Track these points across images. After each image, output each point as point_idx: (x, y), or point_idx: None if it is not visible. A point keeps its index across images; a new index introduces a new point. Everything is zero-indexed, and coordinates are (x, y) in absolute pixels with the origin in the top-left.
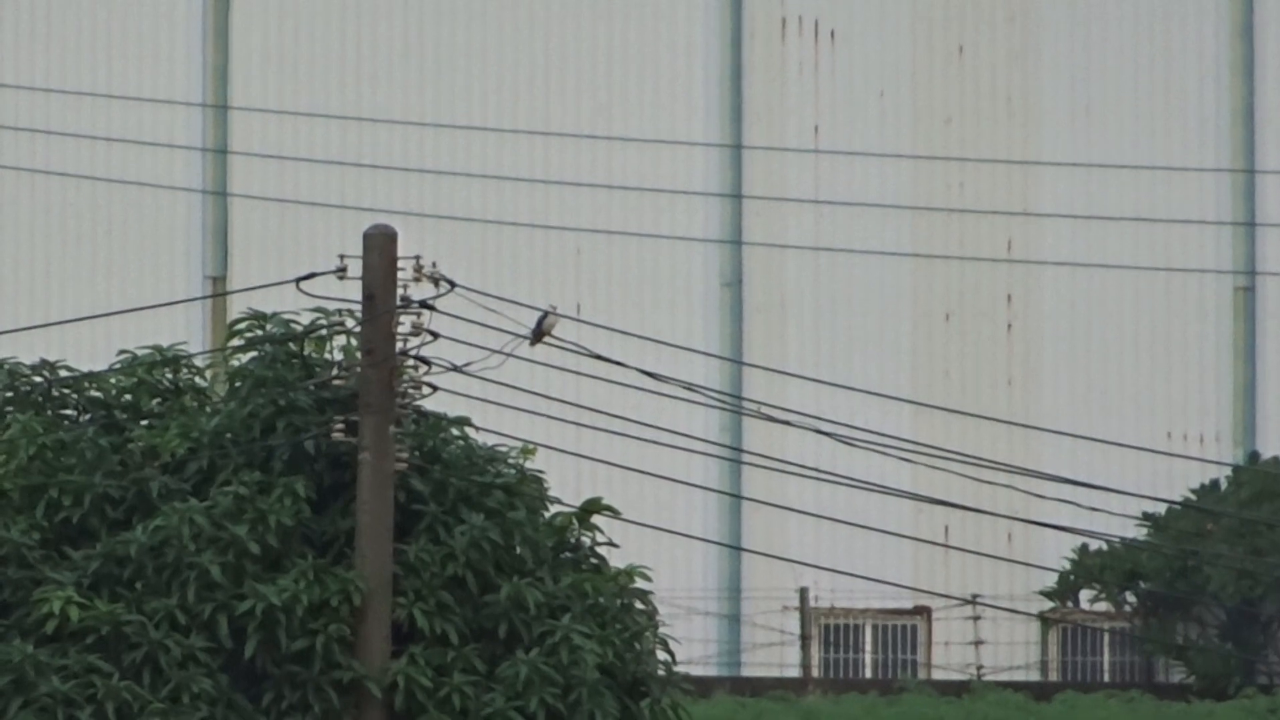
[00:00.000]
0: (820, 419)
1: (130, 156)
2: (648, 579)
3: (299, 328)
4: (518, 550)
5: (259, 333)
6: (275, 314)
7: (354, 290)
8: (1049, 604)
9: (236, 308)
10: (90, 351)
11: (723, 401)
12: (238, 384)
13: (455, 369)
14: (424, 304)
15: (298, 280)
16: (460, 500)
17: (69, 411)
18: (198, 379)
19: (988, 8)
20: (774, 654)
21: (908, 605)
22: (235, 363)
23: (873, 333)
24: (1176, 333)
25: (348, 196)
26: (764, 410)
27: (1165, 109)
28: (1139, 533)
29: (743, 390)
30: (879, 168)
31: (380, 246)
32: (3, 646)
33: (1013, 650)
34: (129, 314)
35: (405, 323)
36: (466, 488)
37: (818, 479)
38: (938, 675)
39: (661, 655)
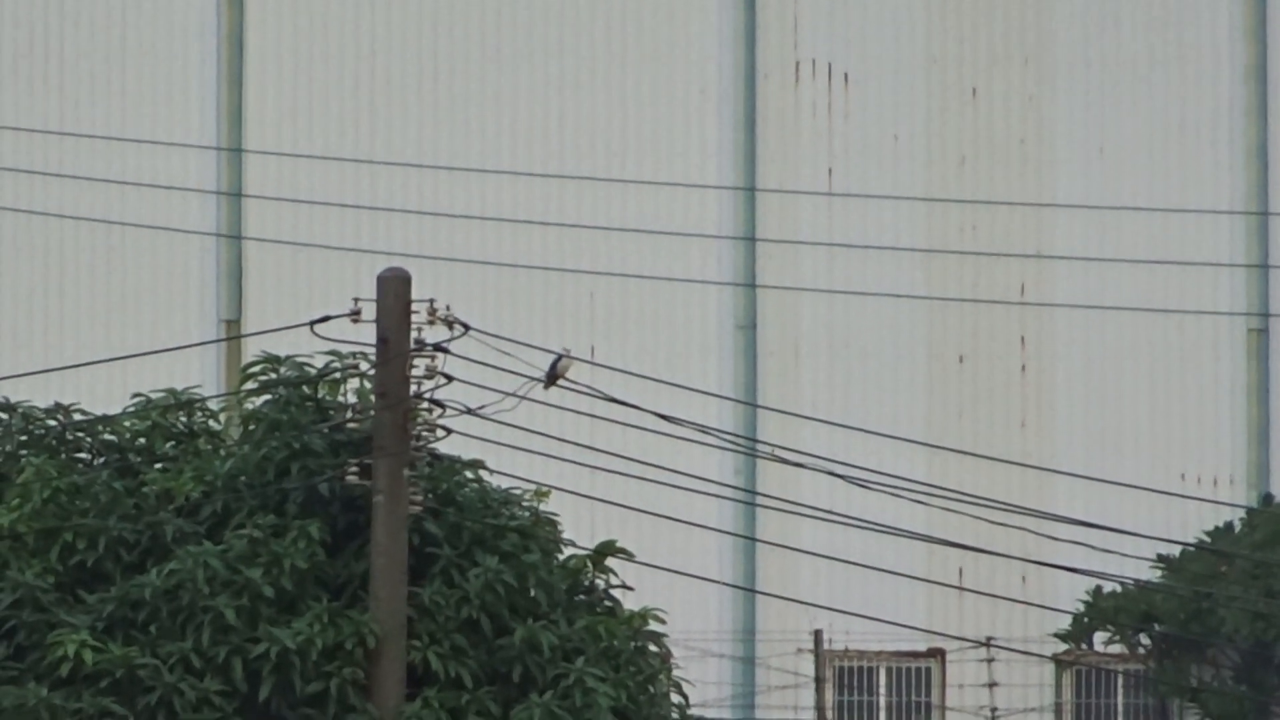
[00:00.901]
0: (834, 461)
1: (145, 200)
2: (661, 621)
3: (313, 371)
4: (532, 593)
5: (273, 376)
6: (289, 357)
7: (368, 333)
8: (1063, 646)
9: (251, 351)
10: (104, 395)
11: (736, 444)
12: (252, 427)
13: (469, 412)
14: (438, 347)
15: (312, 323)
16: (474, 543)
17: (83, 455)
18: (212, 422)
19: (1001, 50)
20: (788, 696)
21: (922, 647)
22: (249, 406)
23: (887, 375)
24: (1190, 375)
25: (362, 239)
26: (778, 452)
27: (1179, 151)
28: (1153, 575)
29: (757, 432)
30: (893, 210)
31: (394, 289)
32: (17, 690)
33: (1027, 692)
34: (143, 357)
35: (419, 366)
36: (481, 530)
37: (832, 521)
38: (952, 717)
39: (675, 698)
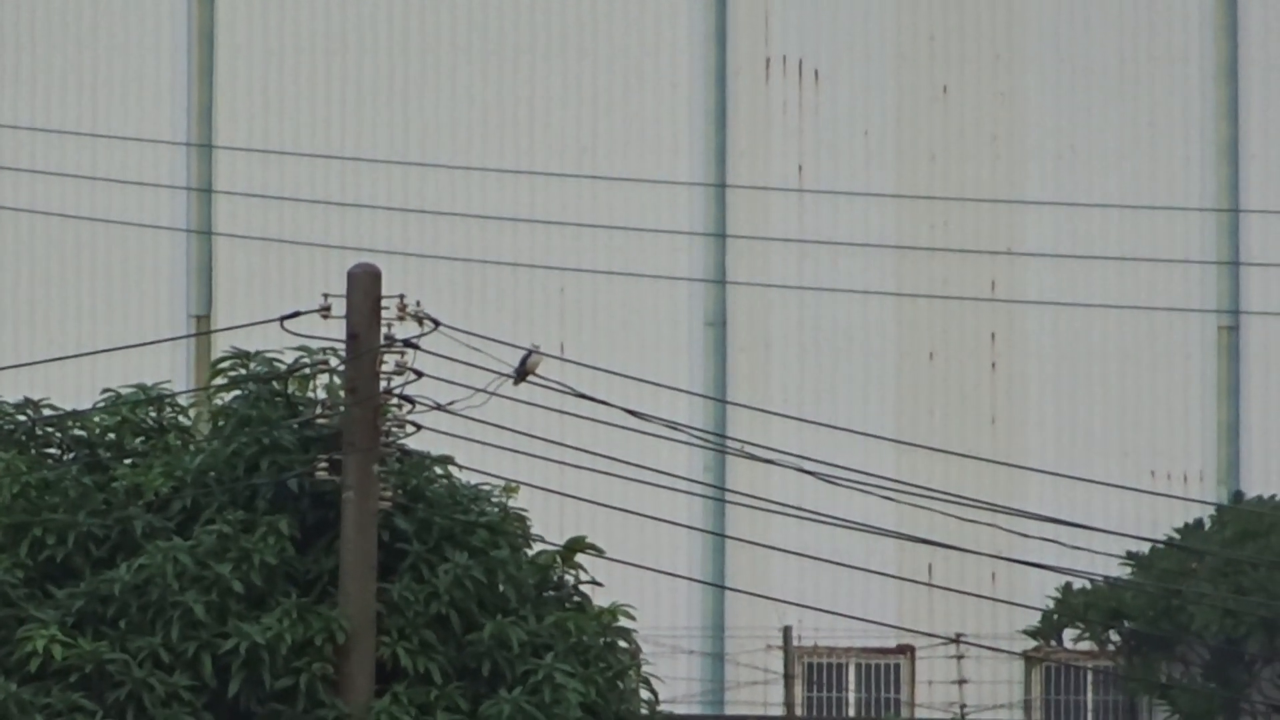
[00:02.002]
0: (804, 458)
1: (114, 195)
2: (631, 617)
3: (282, 366)
4: (501, 589)
5: (242, 371)
6: (259, 353)
7: (338, 329)
8: (1032, 643)
9: (221, 346)
10: (74, 390)
11: (706, 440)
12: (221, 423)
13: (439, 408)
14: (408, 343)
15: (282, 319)
16: (444, 539)
17: (53, 450)
18: (182, 418)
19: (972, 48)
20: (757, 693)
21: (891, 644)
22: (219, 401)
23: (856, 372)
24: (1161, 372)
25: (332, 235)
26: (748, 449)
27: (1150, 148)
28: (1123, 572)
29: (726, 429)
30: (863, 207)
31: (364, 285)
32: None
33: (996, 689)
34: (113, 353)
35: (389, 361)
36: (450, 526)
37: (802, 518)
38: (921, 714)
39: (644, 694)
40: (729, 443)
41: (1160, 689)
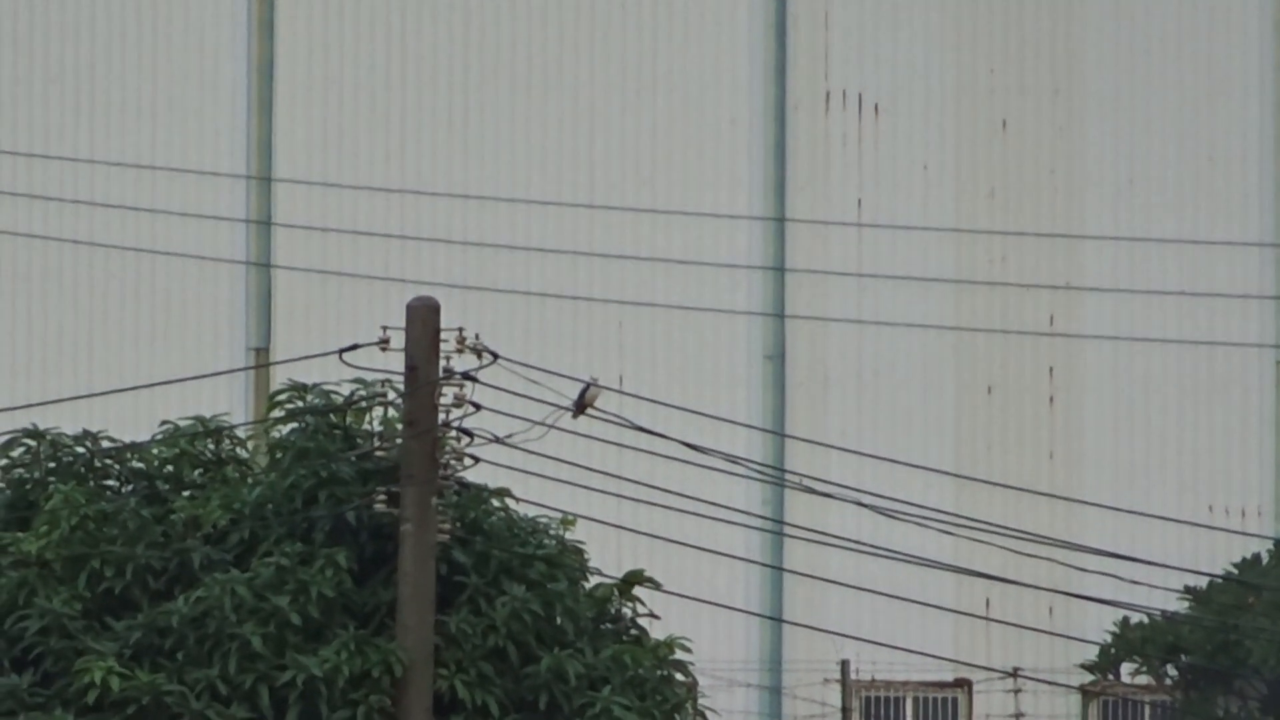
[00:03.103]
0: (862, 491)
1: (174, 227)
2: (688, 650)
3: (339, 399)
4: (559, 621)
5: (299, 404)
6: (316, 385)
7: (397, 362)
8: (1090, 677)
9: (280, 379)
10: (133, 422)
11: (765, 474)
12: (279, 455)
13: (497, 440)
14: (466, 375)
15: (341, 351)
16: (502, 571)
17: (111, 482)
18: (240, 450)
19: (1032, 81)
20: None
21: (949, 678)
22: (276, 434)
23: (915, 406)
24: (1219, 407)
25: (391, 268)
26: (806, 483)
27: (1209, 183)
28: (1180, 606)
29: (785, 463)
30: (922, 241)
31: (423, 318)
32: (45, 716)
33: None
34: (171, 385)
35: (448, 394)
36: (508, 559)
37: (859, 551)
38: None
39: None
40: (787, 476)
41: None
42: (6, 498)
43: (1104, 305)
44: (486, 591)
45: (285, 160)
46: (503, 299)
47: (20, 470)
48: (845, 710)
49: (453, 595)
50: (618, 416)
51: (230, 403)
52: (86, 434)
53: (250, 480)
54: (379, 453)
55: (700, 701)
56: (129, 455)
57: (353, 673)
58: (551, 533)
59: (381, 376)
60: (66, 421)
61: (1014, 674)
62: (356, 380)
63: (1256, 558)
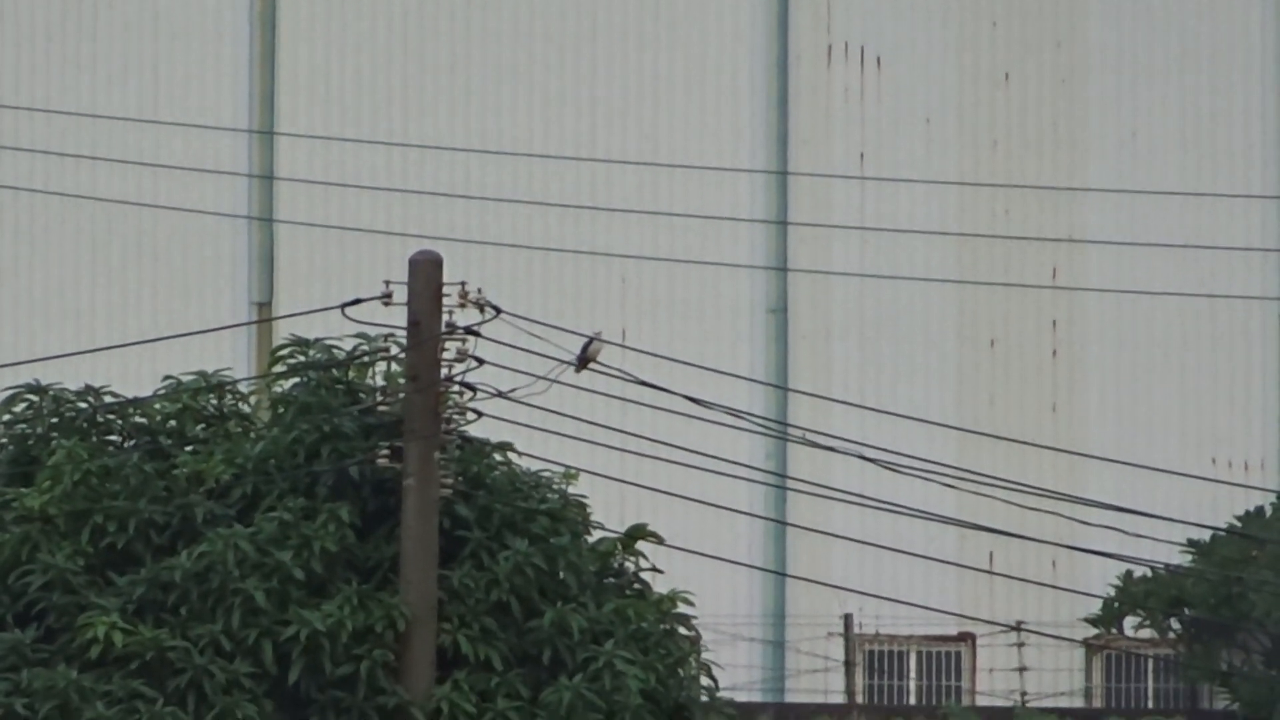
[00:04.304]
0: (865, 445)
1: (176, 182)
2: (691, 604)
3: (341, 354)
4: (561, 576)
5: (302, 359)
6: (318, 340)
7: (400, 316)
8: (1093, 630)
9: (282, 333)
10: (135, 378)
11: (767, 427)
12: (282, 410)
13: (500, 395)
14: (469, 330)
15: (343, 306)
16: (504, 526)
17: (114, 437)
18: (242, 405)
19: (1034, 34)
20: (818, 680)
21: (952, 632)
22: (279, 389)
23: (918, 359)
24: (1222, 359)
25: (394, 222)
26: (809, 436)
27: (1211, 135)
28: (1184, 559)
29: (788, 416)
30: (924, 194)
31: (426, 272)
32: (48, 672)
33: (1057, 677)
34: (174, 340)
35: (450, 349)
36: (511, 513)
37: (862, 505)
38: (982, 702)
39: (705, 681)
40: (790, 430)
41: (1221, 677)
42: (9, 453)
43: (1106, 258)
44: (489, 546)
45: (288, 114)
46: (505, 253)
47: (22, 426)
48: (848, 664)
49: (455, 550)
50: (620, 371)
51: (233, 358)
52: (89, 389)
53: (253, 435)
54: (381, 408)
55: (703, 655)
56: (131, 410)
57: (356, 628)
58: (554, 487)
59: (384, 331)
60: (69, 377)
61: (1017, 628)
62: (359, 335)
63: (1259, 510)
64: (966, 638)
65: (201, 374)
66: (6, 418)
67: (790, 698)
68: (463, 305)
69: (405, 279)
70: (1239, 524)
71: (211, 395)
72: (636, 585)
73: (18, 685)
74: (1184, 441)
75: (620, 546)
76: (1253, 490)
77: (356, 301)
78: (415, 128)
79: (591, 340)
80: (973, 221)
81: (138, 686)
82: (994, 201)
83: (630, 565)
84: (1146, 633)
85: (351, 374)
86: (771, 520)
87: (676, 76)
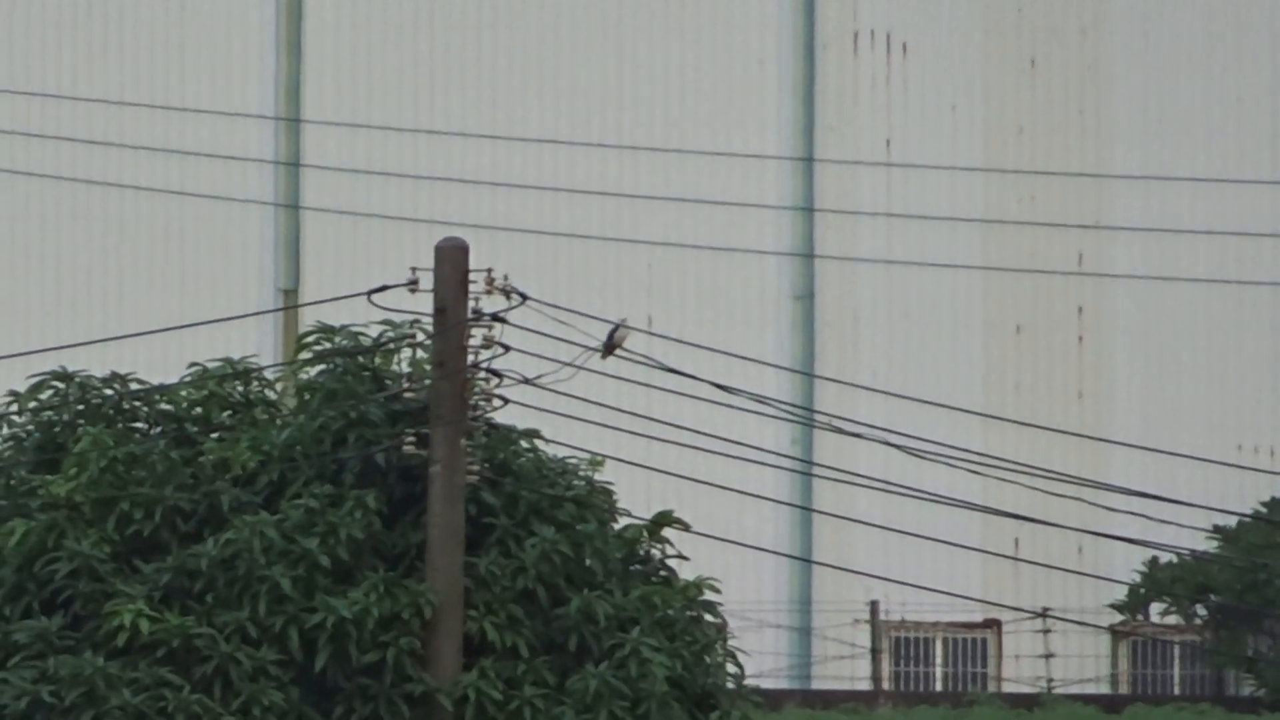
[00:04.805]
0: (891, 432)
1: (203, 169)
2: (717, 591)
3: (368, 340)
4: (588, 563)
5: (328, 345)
6: (344, 327)
7: (426, 303)
8: (1119, 617)
9: (308, 320)
10: (161, 364)
11: (793, 414)
12: (308, 397)
13: (526, 382)
14: (495, 317)
15: (369, 293)
16: (531, 513)
17: (140, 424)
18: (268, 392)
19: (1060, 21)
20: (844, 667)
21: (978, 618)
22: (305, 376)
23: (944, 346)
24: (1248, 345)
25: (420, 209)
26: (835, 423)
27: (1237, 121)
28: (1209, 546)
29: (814, 403)
30: (950, 181)
31: (452, 259)
32: (74, 659)
33: (1083, 663)
34: (200, 327)
35: (477, 335)
36: (537, 500)
37: (888, 492)
38: (1008, 688)
39: (731, 668)
40: (816, 417)
41: (1246, 662)
42: (35, 440)
43: (1133, 244)
44: (515, 533)
45: (314, 101)
46: (532, 240)
47: (49, 413)
48: (875, 651)
49: (482, 537)
50: (646, 357)
51: (259, 344)
52: (115, 376)
53: (279, 422)
54: (408, 394)
55: (729, 642)
56: (157, 397)
57: (382, 615)
58: (580, 474)
59: (410, 318)
60: (95, 364)
61: (1043, 614)
62: (385, 322)
63: None
64: (992, 624)
65: (228, 361)
66: (33, 405)
67: (816, 684)
68: (489, 292)
69: (431, 266)
70: (1265, 510)
71: (238, 382)
72: (663, 572)
73: (44, 673)
74: (1210, 428)
75: (646, 533)
76: (1278, 477)
77: (383, 288)
78: (441, 115)
79: (617, 327)
80: (999, 208)
81: (164, 674)
82: (1020, 188)
83: (656, 552)
84: (1172, 619)
85: (378, 360)
86: (797, 507)
87: (703, 63)
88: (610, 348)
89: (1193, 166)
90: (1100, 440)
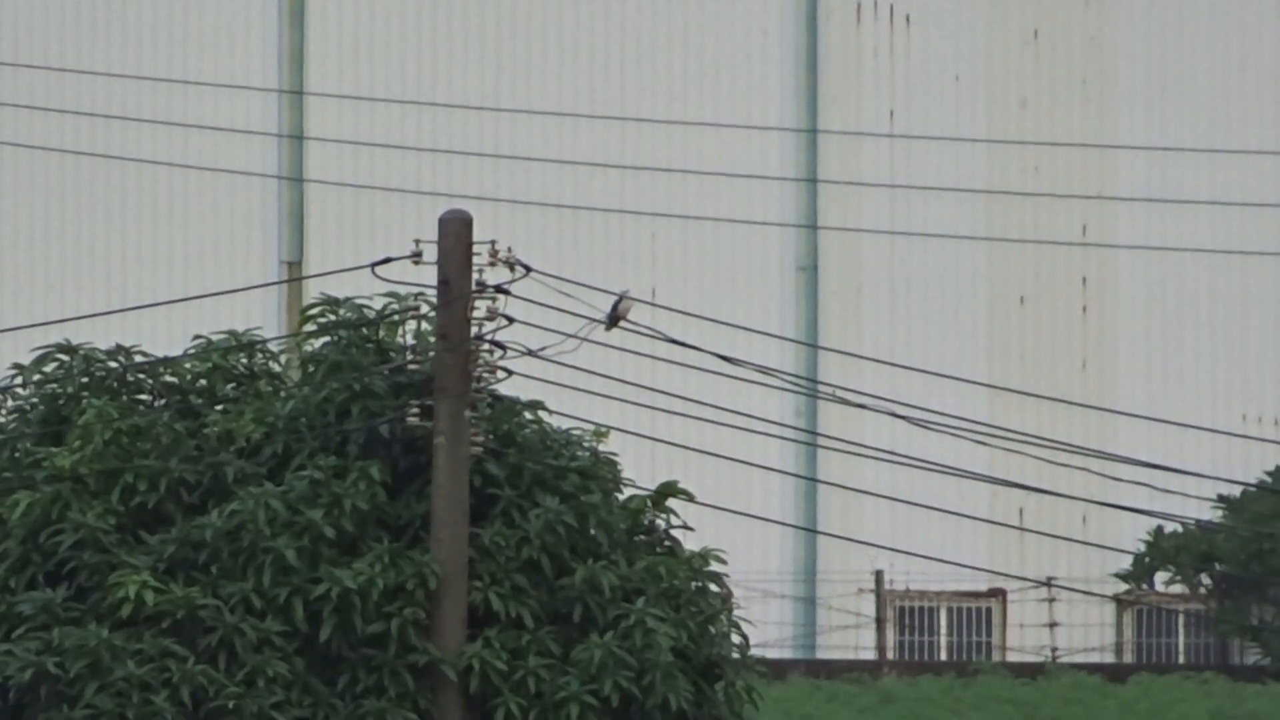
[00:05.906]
0: (895, 402)
1: (207, 142)
2: (722, 562)
3: (372, 312)
4: (592, 533)
5: (332, 318)
6: (348, 299)
7: (429, 275)
8: (1124, 586)
9: (312, 292)
10: (166, 336)
11: (798, 385)
12: (312, 369)
13: (530, 353)
14: (499, 289)
15: (373, 265)
16: (535, 484)
17: (144, 397)
18: (273, 364)
19: None
20: (849, 636)
21: (983, 588)
22: (309, 348)
23: (948, 316)
24: (1252, 315)
25: (423, 181)
26: (839, 394)
27: (1241, 91)
28: (1214, 515)
29: (818, 374)
30: (954, 152)
31: (456, 231)
32: (79, 631)
33: (1088, 632)
34: (205, 299)
35: (480, 307)
36: (541, 471)
37: (893, 462)
38: (1012, 657)
39: (735, 638)
40: (820, 387)
41: (1251, 631)
42: (40, 413)
43: (1136, 215)
44: (520, 504)
45: (318, 74)
46: (535, 212)
47: (53, 385)
48: (880, 620)
49: (486, 508)
50: (650, 329)
51: (263, 316)
52: (119, 348)
53: (283, 394)
54: (412, 366)
55: (735, 613)
56: (162, 369)
57: (387, 586)
58: (585, 445)
59: (414, 290)
60: (99, 336)
61: (1048, 584)
62: (389, 294)
63: None
64: (997, 594)
65: (232, 333)
66: (37, 377)
67: (821, 654)
68: (493, 264)
69: (435, 238)
70: (1269, 479)
71: (242, 354)
72: (667, 543)
73: (49, 644)
74: (1214, 397)
75: (651, 504)
76: None
77: (386, 260)
78: (444, 87)
79: (621, 298)
80: (1002, 178)
81: (169, 645)
82: (1024, 158)
83: (661, 523)
84: (1177, 588)
85: (382, 333)
86: (802, 477)
87: (706, 34)
88: (614, 319)
89: (1196, 137)
90: (1105, 410)
